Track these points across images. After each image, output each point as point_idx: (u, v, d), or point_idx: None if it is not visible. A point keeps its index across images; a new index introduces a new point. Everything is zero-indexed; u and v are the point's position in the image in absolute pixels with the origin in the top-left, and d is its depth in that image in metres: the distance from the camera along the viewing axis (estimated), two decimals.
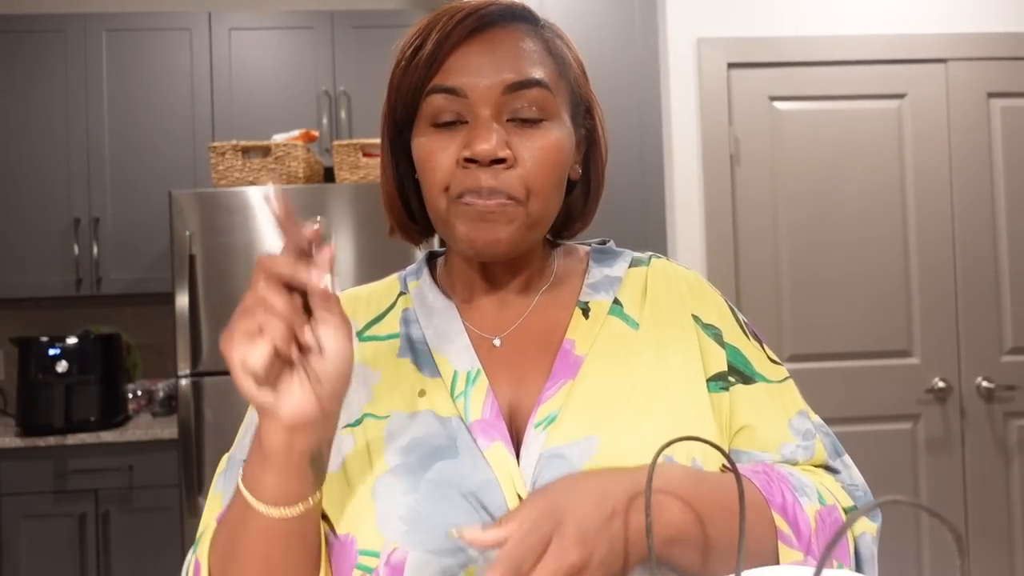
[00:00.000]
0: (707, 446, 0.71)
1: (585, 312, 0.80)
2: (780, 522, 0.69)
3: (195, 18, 3.19)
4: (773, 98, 2.63)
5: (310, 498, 0.64)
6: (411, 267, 0.88)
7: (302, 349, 0.58)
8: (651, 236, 2.70)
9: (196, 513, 2.56)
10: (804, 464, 0.79)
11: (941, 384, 2.63)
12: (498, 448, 0.72)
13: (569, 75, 0.77)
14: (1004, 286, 2.68)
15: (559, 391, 0.75)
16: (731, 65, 2.61)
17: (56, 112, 3.13)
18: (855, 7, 2.65)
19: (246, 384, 0.57)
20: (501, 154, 0.70)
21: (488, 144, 0.70)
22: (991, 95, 2.68)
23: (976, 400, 2.65)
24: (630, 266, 0.85)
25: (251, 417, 0.81)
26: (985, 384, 2.64)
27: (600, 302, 0.81)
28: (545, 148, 0.72)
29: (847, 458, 0.83)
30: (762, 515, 0.69)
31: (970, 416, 2.65)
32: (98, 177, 3.13)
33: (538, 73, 0.73)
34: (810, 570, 0.54)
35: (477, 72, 0.71)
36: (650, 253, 0.88)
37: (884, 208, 2.65)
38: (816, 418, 0.84)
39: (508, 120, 0.72)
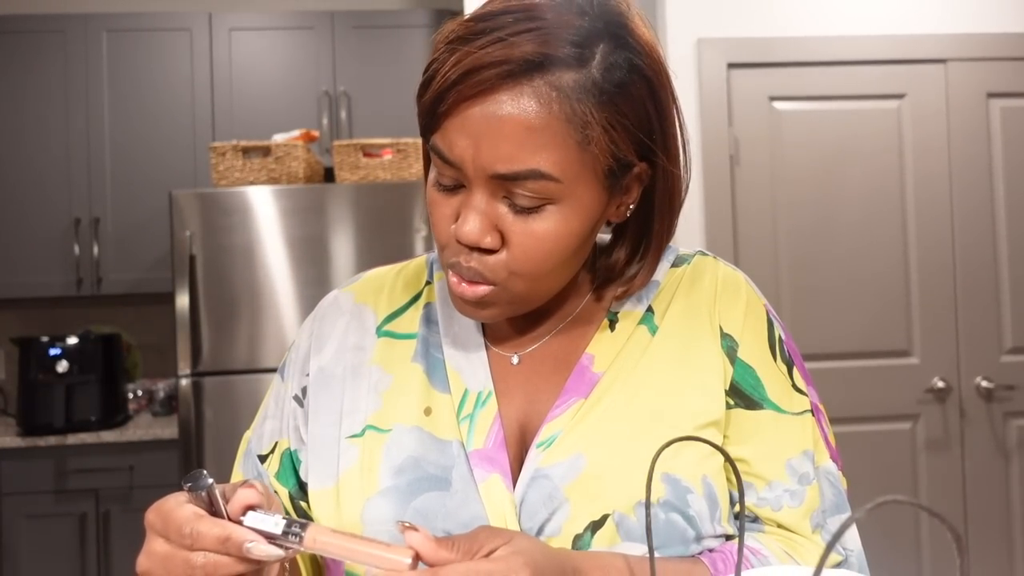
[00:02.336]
0: (718, 465, 0.71)
1: (612, 324, 0.76)
2: None
3: (195, 18, 3.19)
4: (773, 98, 2.64)
5: None
6: None
7: None
8: None
9: None
10: (789, 509, 0.73)
11: (941, 384, 2.63)
12: (494, 482, 0.69)
13: (598, 137, 0.64)
14: (1004, 286, 2.68)
15: (568, 410, 0.72)
16: (731, 65, 2.62)
17: (56, 112, 3.13)
18: (855, 7, 2.65)
19: None
20: (484, 244, 0.65)
21: (471, 230, 0.65)
22: (991, 95, 2.68)
23: (975, 400, 2.66)
24: (672, 265, 0.80)
25: (268, 406, 0.82)
26: (984, 384, 2.64)
27: (631, 312, 0.76)
28: (537, 236, 0.65)
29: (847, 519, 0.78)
30: None
31: (969, 416, 2.65)
32: (98, 177, 3.13)
33: (538, 159, 0.62)
34: (809, 570, 0.54)
35: (472, 143, 0.63)
36: (697, 250, 0.83)
37: (884, 208, 2.65)
38: (828, 464, 0.76)
39: (504, 197, 0.65)
